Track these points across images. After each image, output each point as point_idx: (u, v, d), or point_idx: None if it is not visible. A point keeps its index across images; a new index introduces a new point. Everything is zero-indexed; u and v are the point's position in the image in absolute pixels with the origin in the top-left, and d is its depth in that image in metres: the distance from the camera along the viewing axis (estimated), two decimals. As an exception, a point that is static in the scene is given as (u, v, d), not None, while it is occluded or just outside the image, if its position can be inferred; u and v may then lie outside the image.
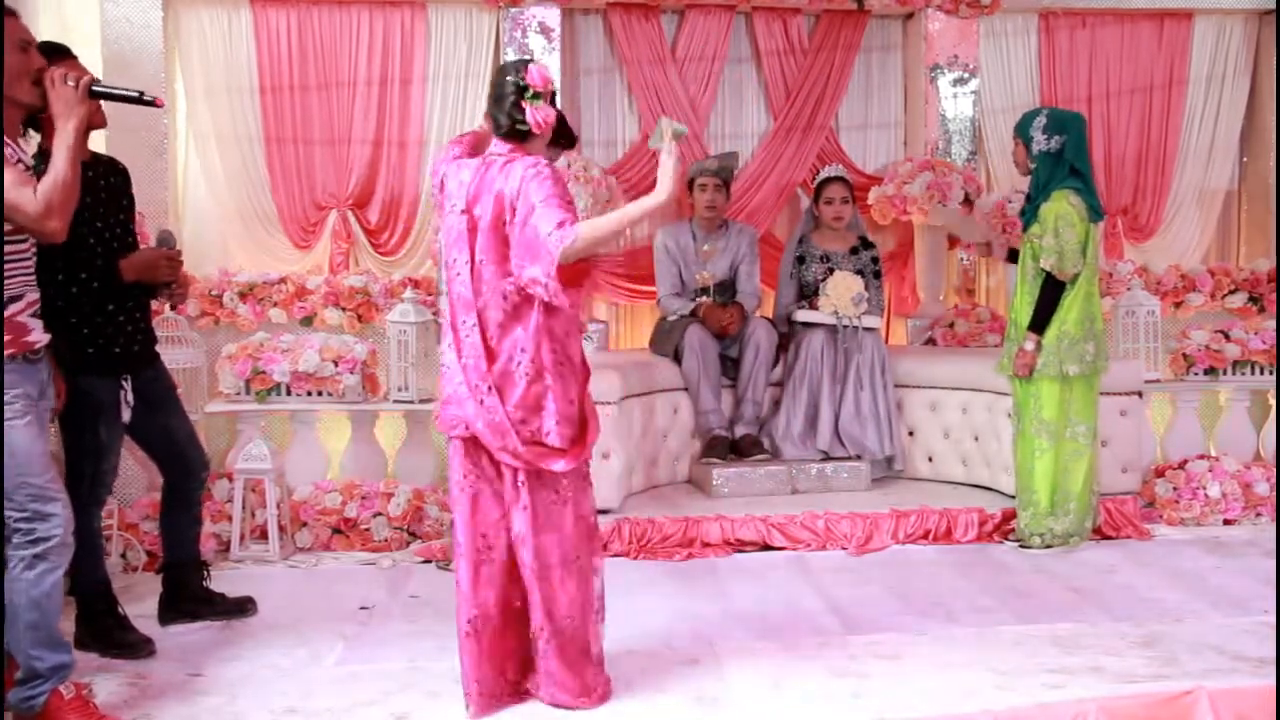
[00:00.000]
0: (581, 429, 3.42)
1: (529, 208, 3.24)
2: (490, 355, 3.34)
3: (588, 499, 3.48)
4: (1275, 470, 5.79)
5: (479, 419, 3.33)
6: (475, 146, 3.55)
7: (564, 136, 3.62)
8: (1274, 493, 5.71)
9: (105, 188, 3.92)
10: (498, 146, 3.42)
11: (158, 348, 4.19)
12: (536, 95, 3.35)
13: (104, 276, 3.86)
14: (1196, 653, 3.78)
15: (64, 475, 3.89)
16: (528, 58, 3.70)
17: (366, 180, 6.43)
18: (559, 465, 3.35)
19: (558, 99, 3.47)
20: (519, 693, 3.50)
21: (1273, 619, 4.00)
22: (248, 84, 6.30)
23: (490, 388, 3.32)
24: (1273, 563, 4.74)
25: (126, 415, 3.94)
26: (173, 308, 4.07)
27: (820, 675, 3.63)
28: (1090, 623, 4.13)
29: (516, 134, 3.39)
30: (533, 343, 3.32)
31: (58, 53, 3.69)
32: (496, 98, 3.41)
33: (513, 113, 3.37)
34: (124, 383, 3.94)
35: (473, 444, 3.39)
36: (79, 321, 3.82)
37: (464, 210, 3.36)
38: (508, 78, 3.38)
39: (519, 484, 3.36)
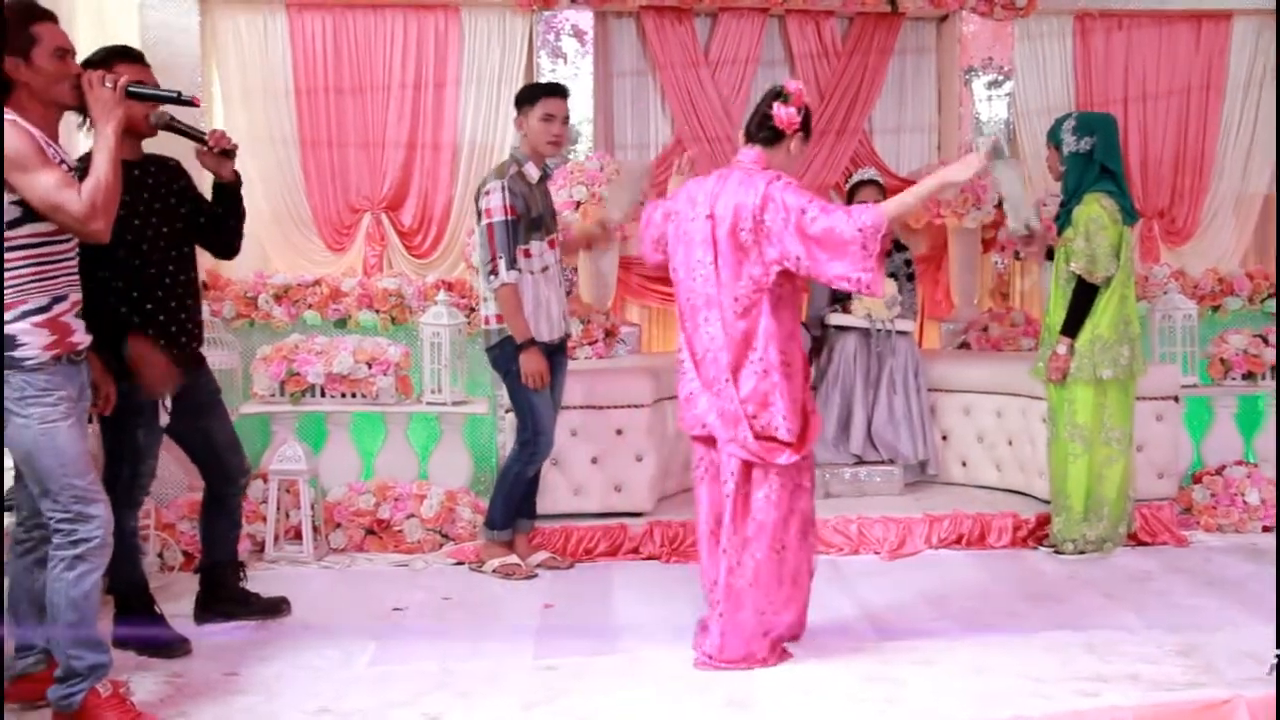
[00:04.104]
0: (805, 424, 3.69)
1: (790, 213, 3.50)
2: (728, 349, 3.63)
3: (805, 494, 3.78)
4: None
5: (712, 410, 3.66)
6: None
7: (803, 128, 3.79)
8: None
9: (149, 186, 3.90)
10: (743, 154, 3.73)
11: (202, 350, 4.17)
12: (787, 97, 3.67)
13: (145, 277, 3.84)
14: (1234, 661, 3.73)
15: (101, 476, 3.94)
16: None
17: (400, 183, 6.46)
18: (783, 458, 3.63)
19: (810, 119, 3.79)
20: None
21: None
22: (283, 87, 6.35)
23: (728, 379, 3.64)
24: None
25: (164, 419, 3.93)
26: (228, 154, 3.98)
27: (853, 680, 3.62)
28: (1126, 629, 4.10)
29: (765, 132, 3.70)
30: (761, 342, 3.62)
31: (123, 56, 3.72)
32: (754, 110, 3.77)
33: (764, 110, 3.70)
34: None
35: (705, 441, 3.74)
36: (120, 323, 3.80)
37: (708, 215, 3.65)
38: (768, 91, 3.75)
39: (731, 474, 3.66)
